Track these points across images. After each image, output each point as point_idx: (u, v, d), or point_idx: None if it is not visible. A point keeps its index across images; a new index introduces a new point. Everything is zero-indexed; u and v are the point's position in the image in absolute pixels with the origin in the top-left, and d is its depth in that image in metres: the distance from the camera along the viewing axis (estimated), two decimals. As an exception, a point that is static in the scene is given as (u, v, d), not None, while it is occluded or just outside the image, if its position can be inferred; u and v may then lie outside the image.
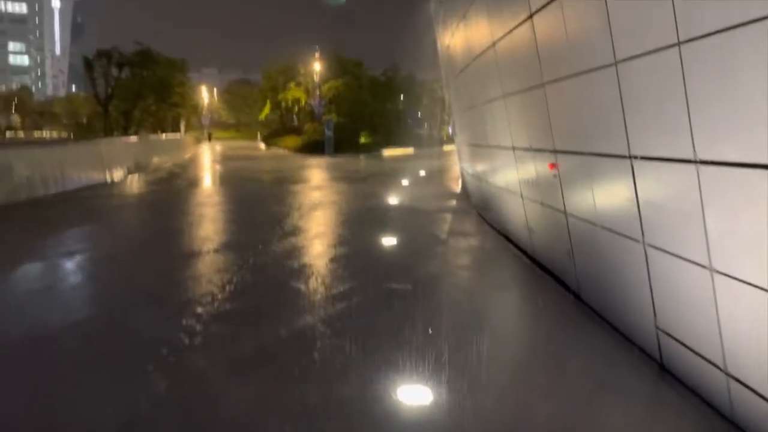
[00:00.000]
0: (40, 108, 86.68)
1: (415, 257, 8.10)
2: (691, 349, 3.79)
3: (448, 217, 12.21)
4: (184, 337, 4.67)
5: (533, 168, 6.72)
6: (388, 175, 22.85)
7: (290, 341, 4.70)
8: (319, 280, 6.56)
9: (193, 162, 31.46)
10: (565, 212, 5.85)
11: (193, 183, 19.46)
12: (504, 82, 7.24)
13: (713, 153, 3.11)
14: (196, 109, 65.12)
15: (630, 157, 4.10)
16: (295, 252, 8.05)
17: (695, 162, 3.24)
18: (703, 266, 3.39)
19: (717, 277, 3.29)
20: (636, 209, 4.16)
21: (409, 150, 45.92)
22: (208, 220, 10.83)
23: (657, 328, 4.22)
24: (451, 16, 10.82)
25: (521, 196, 7.47)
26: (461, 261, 8.16)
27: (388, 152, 42.79)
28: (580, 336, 5.00)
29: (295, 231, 9.67)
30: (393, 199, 14.58)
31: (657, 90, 3.60)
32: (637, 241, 4.25)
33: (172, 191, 16.90)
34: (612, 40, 4.01)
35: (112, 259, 7.76)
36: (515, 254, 8.15)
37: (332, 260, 7.62)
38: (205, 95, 79.03)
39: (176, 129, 55.76)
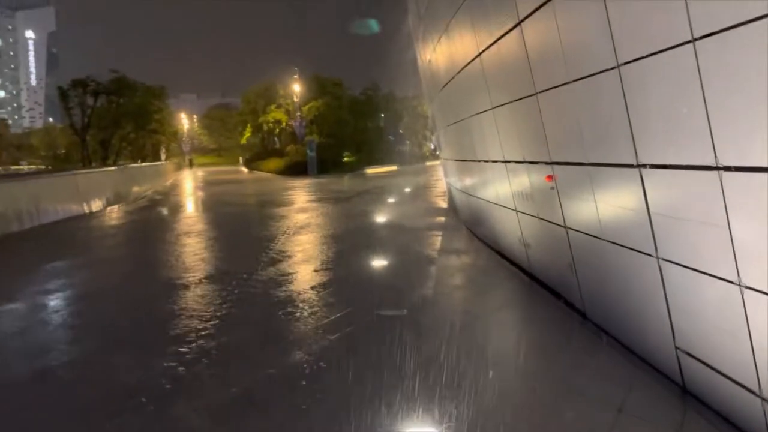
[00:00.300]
0: (17, 141, 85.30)
1: (408, 279, 7.76)
2: (718, 371, 3.50)
3: (438, 234, 11.90)
4: (164, 382, 4.31)
5: (527, 181, 6.44)
6: (373, 194, 22.57)
7: (279, 382, 4.34)
8: (308, 311, 6.19)
9: (175, 189, 30.86)
10: (565, 226, 5.56)
11: (175, 211, 18.92)
12: (492, 94, 6.99)
13: (738, 158, 2.83)
14: (175, 135, 64.33)
15: (638, 165, 3.83)
16: (282, 280, 7.67)
17: (717, 168, 2.97)
18: (731, 281, 3.10)
19: (747, 293, 3.00)
20: (647, 221, 3.88)
21: (393, 167, 45.89)
22: (191, 250, 10.37)
23: (676, 348, 3.92)
24: (432, 30, 10.63)
25: (515, 210, 7.19)
26: (456, 281, 7.82)
27: (371, 170, 42.69)
28: (591, 358, 4.69)
29: (281, 257, 9.29)
30: (380, 218, 14.35)
31: (668, 92, 3.32)
32: (649, 255, 3.96)
33: (152, 221, 16.39)
34: (613, 41, 3.74)
35: (88, 297, 7.29)
36: (510, 270, 7.85)
37: (320, 287, 7.25)
38: (185, 121, 78.51)
39: (156, 156, 55.06)
